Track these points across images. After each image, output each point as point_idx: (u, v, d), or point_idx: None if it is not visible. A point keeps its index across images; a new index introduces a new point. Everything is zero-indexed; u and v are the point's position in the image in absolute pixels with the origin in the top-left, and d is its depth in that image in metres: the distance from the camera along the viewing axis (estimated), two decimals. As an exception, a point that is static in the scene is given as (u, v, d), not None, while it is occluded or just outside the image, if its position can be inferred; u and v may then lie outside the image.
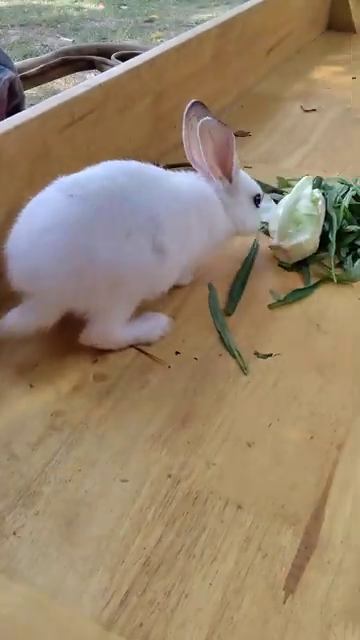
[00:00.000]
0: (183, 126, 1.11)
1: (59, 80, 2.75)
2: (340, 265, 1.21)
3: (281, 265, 1.21)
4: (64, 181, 0.96)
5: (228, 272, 1.19)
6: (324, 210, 1.23)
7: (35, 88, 2.46)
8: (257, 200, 1.17)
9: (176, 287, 1.14)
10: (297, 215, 1.18)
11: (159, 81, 1.49)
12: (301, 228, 1.18)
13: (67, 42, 5.42)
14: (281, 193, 1.41)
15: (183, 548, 0.74)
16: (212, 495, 0.79)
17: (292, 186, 1.40)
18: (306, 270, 1.19)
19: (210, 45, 1.71)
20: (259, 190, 1.18)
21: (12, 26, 6.13)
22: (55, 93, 1.29)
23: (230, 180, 1.11)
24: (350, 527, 0.76)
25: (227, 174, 1.11)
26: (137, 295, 1.00)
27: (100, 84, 1.28)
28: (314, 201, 1.17)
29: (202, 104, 1.11)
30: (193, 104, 1.10)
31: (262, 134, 1.74)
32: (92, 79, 1.28)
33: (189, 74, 1.63)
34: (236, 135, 1.72)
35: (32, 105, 1.21)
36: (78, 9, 6.39)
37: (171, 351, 1.01)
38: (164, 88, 1.51)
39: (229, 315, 1.08)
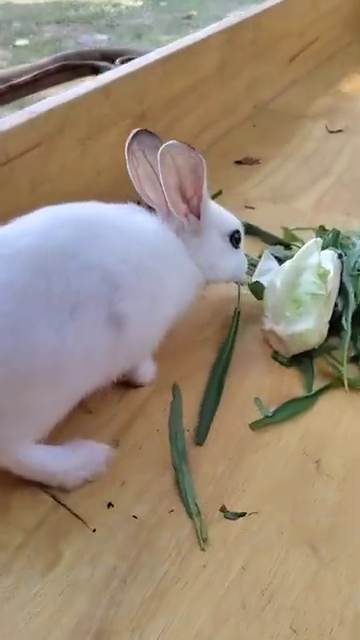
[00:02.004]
0: (127, 161, 0.84)
1: (53, 89, 2.47)
2: (356, 360, 0.89)
3: (275, 357, 0.90)
4: None
5: (202, 362, 0.89)
6: (337, 283, 0.91)
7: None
8: (235, 239, 0.89)
9: (128, 388, 0.84)
10: (297, 294, 0.87)
11: (140, 101, 1.19)
12: (302, 312, 0.86)
13: (102, 39, 5.19)
14: (288, 247, 1.10)
15: None
16: None
17: (298, 240, 1.09)
18: (309, 367, 0.88)
19: (214, 53, 1.40)
20: (236, 225, 0.90)
21: (48, 23, 5.93)
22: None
23: (198, 216, 0.84)
24: None
25: (193, 209, 0.83)
26: (78, 391, 0.72)
27: (50, 109, 0.99)
28: (321, 275, 0.86)
29: (149, 132, 0.83)
30: (137, 133, 0.83)
31: (275, 162, 1.42)
32: (37, 105, 0.99)
33: (184, 89, 1.33)
34: (241, 163, 1.43)
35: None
36: (115, 5, 6.15)
37: (102, 501, 0.71)
38: (147, 108, 1.21)
39: (199, 445, 0.78)
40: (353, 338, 0.90)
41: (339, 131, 1.56)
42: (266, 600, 0.62)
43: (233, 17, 1.49)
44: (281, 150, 1.47)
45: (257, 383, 0.86)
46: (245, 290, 0.99)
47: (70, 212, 0.75)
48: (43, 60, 2.19)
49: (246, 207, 1.25)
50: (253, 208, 1.25)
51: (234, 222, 0.91)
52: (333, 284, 0.90)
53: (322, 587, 0.63)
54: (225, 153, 1.44)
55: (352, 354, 0.89)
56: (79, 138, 1.06)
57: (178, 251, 0.83)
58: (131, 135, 0.82)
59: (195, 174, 0.80)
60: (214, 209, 0.88)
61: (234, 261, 0.91)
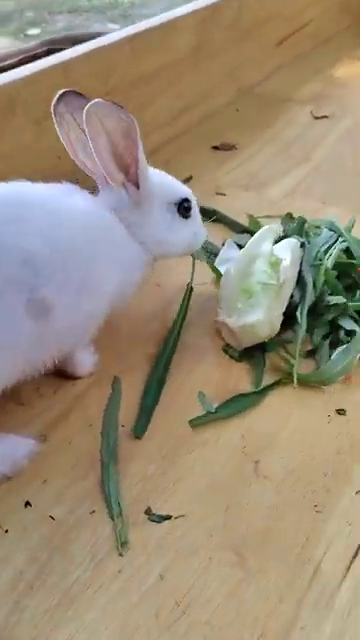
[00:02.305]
0: (56, 125, 0.77)
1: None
2: (313, 355, 0.84)
3: (226, 351, 0.85)
4: None
5: (149, 355, 0.84)
6: (293, 274, 0.86)
7: None
8: (184, 208, 0.81)
9: (66, 380, 0.80)
10: (249, 283, 0.82)
11: (104, 80, 1.14)
12: (253, 303, 0.81)
13: (114, 29, 5.14)
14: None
15: None
16: None
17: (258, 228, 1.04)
18: (260, 362, 0.83)
19: (189, 33, 1.35)
20: (183, 193, 0.82)
21: (60, 13, 5.89)
22: None
23: (137, 186, 0.77)
24: None
25: (132, 178, 0.76)
26: (1, 380, 0.68)
27: (-1, 86, 0.94)
28: (273, 264, 0.81)
29: (77, 93, 0.76)
30: (63, 94, 0.76)
31: (253, 148, 1.37)
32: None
33: (156, 69, 1.28)
34: (217, 148, 1.38)
35: None
36: (129, -5, 6.11)
37: (19, 499, 0.66)
38: (113, 88, 1.16)
39: (138, 438, 0.73)
40: (310, 331, 0.85)
41: (324, 117, 1.50)
42: (180, 612, 0.57)
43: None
44: (261, 135, 1.41)
45: (204, 377, 0.81)
46: (201, 281, 0.94)
47: None
48: (31, 44, 2.14)
49: (217, 193, 1.20)
50: (224, 195, 1.20)
51: (181, 190, 0.83)
52: (290, 274, 0.85)
53: (244, 599, 0.58)
54: (202, 138, 1.39)
55: (309, 348, 0.85)
56: (34, 119, 1.02)
57: (115, 231, 0.76)
58: (56, 96, 0.76)
59: (128, 138, 0.72)
60: (157, 177, 0.80)
61: (186, 233, 0.82)
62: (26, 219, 0.67)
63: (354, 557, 0.61)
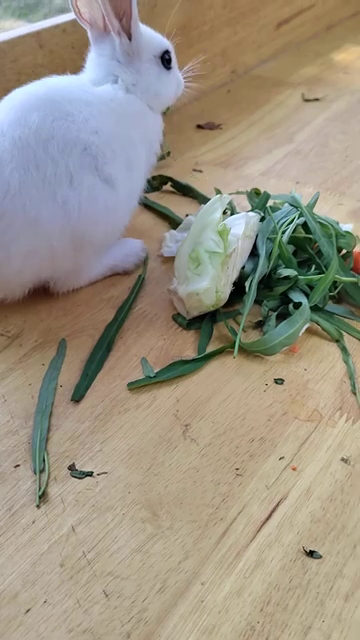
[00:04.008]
0: None
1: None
2: (261, 326, 0.84)
3: (175, 319, 0.85)
4: None
5: (101, 321, 0.85)
6: (248, 246, 0.86)
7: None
8: (166, 60, 0.91)
9: (14, 340, 0.81)
10: (197, 251, 0.82)
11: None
12: (200, 271, 0.82)
13: None
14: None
15: None
16: None
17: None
18: (207, 331, 0.83)
19: (175, 12, 1.34)
20: (165, 45, 0.91)
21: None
22: None
23: (129, 37, 0.86)
24: None
25: (125, 28, 0.85)
26: (104, 244, 0.87)
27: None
28: (221, 232, 0.81)
29: None
30: None
31: (237, 128, 1.36)
32: None
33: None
34: (202, 127, 1.37)
35: None
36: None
37: None
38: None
39: (76, 401, 0.74)
40: (260, 303, 0.85)
41: (315, 100, 1.49)
42: (86, 562, 0.58)
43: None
44: (249, 117, 1.41)
45: (150, 344, 0.82)
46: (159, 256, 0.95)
47: (38, 94, 0.80)
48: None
49: (194, 170, 1.20)
50: (201, 171, 1.20)
51: (163, 42, 0.91)
52: (243, 245, 0.85)
53: (149, 554, 0.59)
54: (190, 117, 1.39)
55: (259, 319, 0.85)
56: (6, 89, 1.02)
57: (139, 112, 0.88)
58: None
59: None
60: (143, 31, 0.88)
61: (172, 82, 0.92)
62: (72, 114, 0.79)
63: (267, 519, 0.62)
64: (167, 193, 1.13)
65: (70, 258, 0.82)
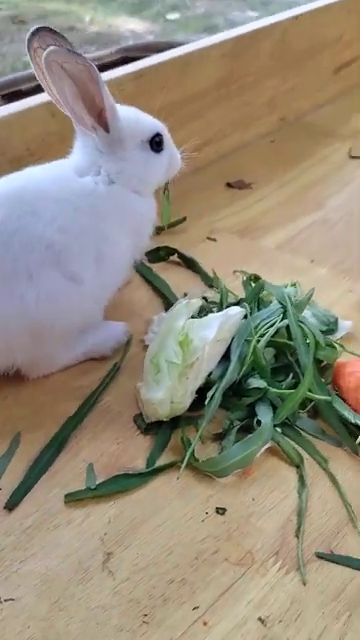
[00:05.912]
0: (30, 61, 0.80)
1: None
2: (220, 439, 0.80)
3: (135, 421, 0.82)
4: None
5: (63, 415, 0.83)
6: (219, 350, 0.81)
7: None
8: (156, 142, 0.86)
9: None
10: (158, 358, 0.78)
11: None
12: (159, 379, 0.78)
13: (252, 17, 5.06)
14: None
15: None
16: None
17: (220, 285, 1.00)
18: (162, 439, 0.80)
19: (211, 65, 1.30)
20: (154, 128, 0.87)
21: (203, -2, 5.90)
22: None
23: (107, 129, 0.82)
24: None
25: (102, 121, 0.81)
26: (71, 334, 0.86)
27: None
28: (182, 343, 0.77)
29: (52, 30, 0.79)
30: (37, 30, 0.79)
31: (269, 188, 1.31)
32: None
33: (170, 103, 1.24)
34: (231, 186, 1.32)
35: None
36: (272, -18, 6.00)
37: None
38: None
39: (9, 509, 0.72)
40: (228, 409, 0.81)
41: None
42: None
43: (246, 26, 1.37)
44: (284, 175, 1.34)
45: (102, 447, 0.79)
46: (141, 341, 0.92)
47: (8, 190, 0.80)
48: (103, 52, 2.16)
49: (207, 238, 1.16)
50: (215, 240, 1.16)
51: (151, 125, 0.87)
52: (213, 350, 0.80)
53: None
54: (221, 174, 1.34)
55: (218, 431, 0.80)
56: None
57: (120, 202, 0.84)
58: (30, 32, 0.78)
59: (92, 82, 0.77)
60: (127, 117, 0.84)
61: (162, 165, 0.88)
62: (38, 212, 0.78)
63: None
64: (173, 264, 1.10)
65: (28, 349, 0.82)
